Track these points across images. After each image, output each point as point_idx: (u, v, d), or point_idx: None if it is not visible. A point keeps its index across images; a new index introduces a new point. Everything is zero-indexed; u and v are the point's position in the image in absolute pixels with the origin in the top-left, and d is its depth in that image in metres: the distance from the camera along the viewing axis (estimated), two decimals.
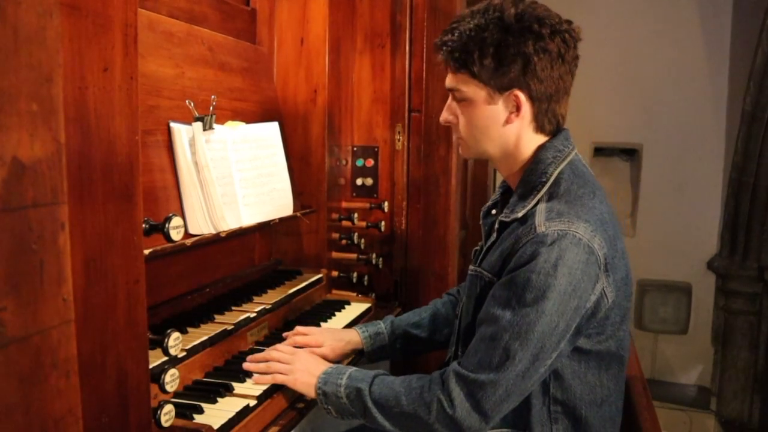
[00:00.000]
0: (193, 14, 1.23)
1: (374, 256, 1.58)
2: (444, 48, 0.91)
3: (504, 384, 0.83)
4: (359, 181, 1.63)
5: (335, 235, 1.55)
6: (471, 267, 0.98)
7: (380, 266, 1.59)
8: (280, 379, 0.98)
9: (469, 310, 0.97)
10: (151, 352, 0.76)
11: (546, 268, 0.82)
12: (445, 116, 0.96)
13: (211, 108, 1.12)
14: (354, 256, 1.56)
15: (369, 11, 1.59)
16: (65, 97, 0.54)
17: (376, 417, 0.90)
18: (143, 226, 0.73)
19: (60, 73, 0.51)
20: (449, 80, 0.93)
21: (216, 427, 0.84)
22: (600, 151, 2.76)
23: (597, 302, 0.85)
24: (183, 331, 1.02)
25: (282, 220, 1.30)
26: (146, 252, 0.80)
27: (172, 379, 0.84)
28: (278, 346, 1.07)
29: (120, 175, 0.65)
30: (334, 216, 1.54)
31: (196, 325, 1.06)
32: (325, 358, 1.09)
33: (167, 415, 0.79)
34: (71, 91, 0.60)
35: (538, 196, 0.89)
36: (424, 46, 1.58)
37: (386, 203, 1.62)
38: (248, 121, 1.26)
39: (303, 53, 1.44)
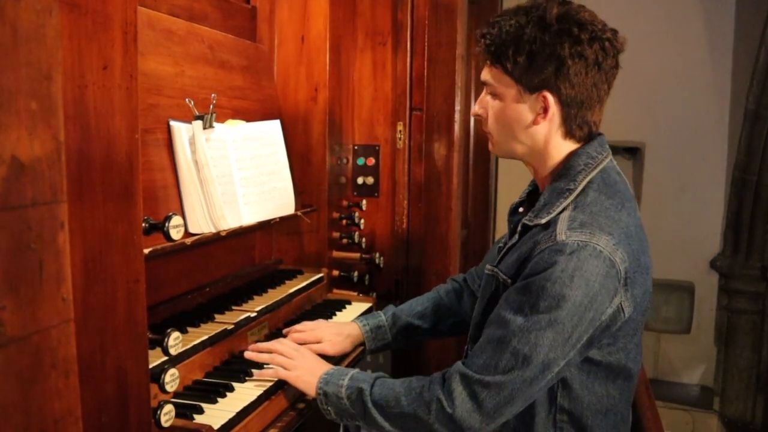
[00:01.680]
0: (193, 12, 1.22)
1: (375, 255, 1.58)
2: (482, 40, 0.90)
3: (510, 387, 0.82)
4: (360, 180, 1.63)
5: (336, 234, 1.54)
6: (488, 266, 0.97)
7: (381, 265, 1.59)
8: (282, 374, 0.98)
9: (480, 308, 0.96)
10: (150, 352, 0.76)
11: (562, 278, 0.80)
12: (475, 109, 0.95)
13: (211, 106, 1.11)
14: (355, 255, 1.55)
15: (370, 9, 1.58)
16: (64, 96, 0.54)
17: (375, 418, 0.90)
18: (143, 225, 0.73)
19: (59, 72, 0.50)
20: (484, 73, 0.92)
21: (216, 427, 0.84)
22: None
23: (613, 315, 0.84)
24: (183, 331, 1.02)
25: (283, 219, 1.30)
26: (146, 251, 0.79)
27: (172, 379, 0.84)
28: (282, 340, 1.07)
29: (120, 173, 0.65)
30: (335, 215, 1.53)
31: (196, 325, 1.06)
32: (325, 353, 1.08)
33: (167, 415, 0.79)
34: (71, 89, 0.60)
35: (564, 203, 0.87)
36: (426, 44, 1.57)
37: (387, 202, 1.61)
38: (249, 120, 1.26)
39: (304, 51, 1.44)
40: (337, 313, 1.37)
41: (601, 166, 0.90)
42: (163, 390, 0.83)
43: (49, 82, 0.49)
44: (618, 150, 2.77)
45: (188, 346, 0.96)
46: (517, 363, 0.81)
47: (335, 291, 1.51)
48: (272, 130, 1.31)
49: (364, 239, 1.57)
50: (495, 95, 0.91)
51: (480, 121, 0.96)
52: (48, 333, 0.50)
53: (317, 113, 1.44)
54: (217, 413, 0.88)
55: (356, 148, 1.63)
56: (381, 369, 1.52)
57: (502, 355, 0.82)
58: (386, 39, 1.58)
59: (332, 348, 1.11)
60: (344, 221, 1.55)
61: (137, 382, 0.68)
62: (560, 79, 0.86)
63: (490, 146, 0.97)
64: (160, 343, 0.83)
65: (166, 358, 0.86)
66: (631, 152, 2.76)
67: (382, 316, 1.19)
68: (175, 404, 0.81)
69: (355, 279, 1.54)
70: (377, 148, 1.62)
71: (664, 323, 2.62)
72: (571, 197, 0.87)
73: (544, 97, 0.88)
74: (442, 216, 1.59)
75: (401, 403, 0.88)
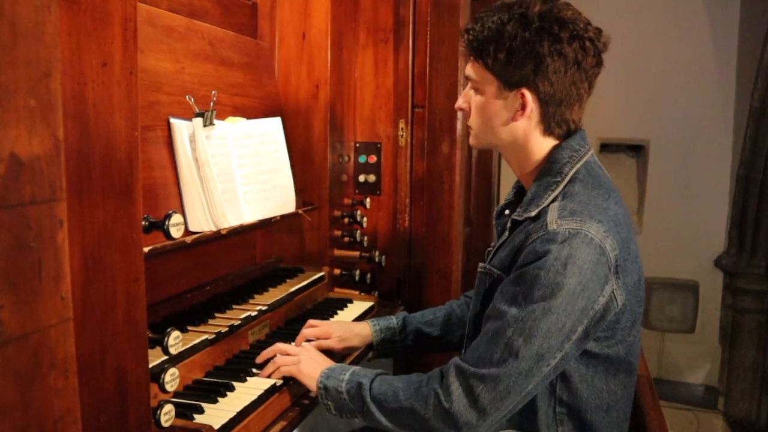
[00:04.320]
0: (193, 8, 1.21)
1: (377, 253, 1.57)
2: (465, 35, 0.92)
3: (505, 380, 0.81)
4: (362, 178, 1.62)
5: (337, 233, 1.54)
6: (480, 264, 0.98)
7: (383, 264, 1.58)
8: (284, 369, 0.99)
9: (476, 306, 0.97)
10: (150, 351, 0.75)
11: (556, 266, 0.80)
12: (459, 102, 0.97)
13: (211, 103, 1.11)
14: (356, 253, 1.55)
15: (372, 5, 1.57)
16: (64, 93, 0.53)
17: (373, 413, 0.89)
18: (143, 223, 0.73)
19: (58, 69, 0.50)
20: (467, 68, 0.94)
21: (216, 427, 0.84)
22: (606, 147, 2.74)
23: (606, 305, 0.84)
24: (183, 330, 1.02)
25: (284, 217, 1.29)
26: (146, 250, 0.79)
27: (172, 379, 0.83)
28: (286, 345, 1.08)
29: (119, 171, 0.65)
30: (337, 213, 1.52)
31: (196, 324, 1.05)
32: (332, 349, 1.09)
33: (167, 415, 0.78)
34: (70, 86, 0.60)
35: (553, 195, 0.88)
36: (428, 41, 1.56)
37: (389, 200, 1.61)
38: (249, 117, 1.25)
39: (305, 48, 1.43)
40: (339, 312, 1.36)
41: (584, 159, 0.91)
42: (163, 389, 0.82)
43: (48, 80, 0.49)
44: (622, 148, 2.75)
45: (188, 346, 0.96)
46: (511, 353, 0.81)
47: (337, 290, 1.50)
48: (273, 127, 1.31)
49: (365, 237, 1.57)
50: (477, 90, 0.93)
51: (464, 115, 0.98)
52: (47, 332, 0.50)
53: (318, 110, 1.43)
54: (217, 413, 0.87)
55: (358, 145, 1.62)
56: (384, 365, 1.51)
57: (497, 347, 0.82)
58: (388, 36, 1.57)
59: (340, 344, 1.11)
60: (346, 219, 1.54)
61: (137, 382, 0.68)
62: (539, 76, 0.87)
63: (471, 139, 0.99)
64: (160, 342, 0.83)
65: (166, 357, 0.86)
66: (636, 150, 2.74)
67: (393, 319, 1.19)
68: (175, 404, 0.81)
69: (357, 278, 1.53)
70: (379, 145, 1.61)
71: (669, 322, 2.60)
72: (559, 189, 0.88)
73: (523, 95, 0.89)
74: (444, 214, 1.58)
75: (399, 397, 0.88)
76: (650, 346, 2.59)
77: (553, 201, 0.88)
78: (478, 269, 0.98)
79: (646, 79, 2.59)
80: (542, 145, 0.92)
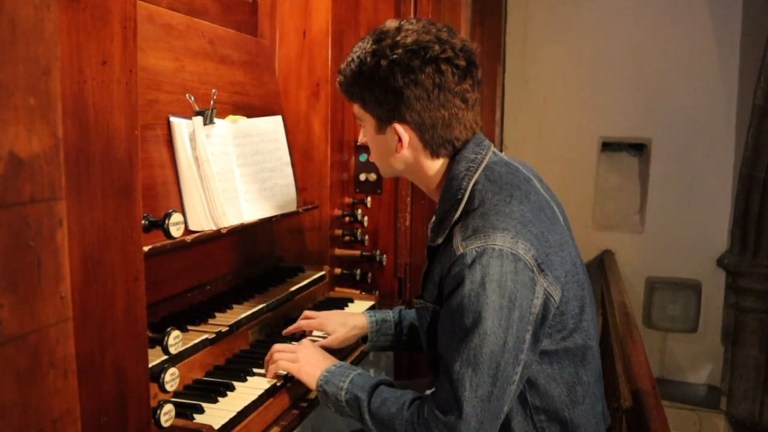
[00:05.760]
0: (193, 6, 1.21)
1: (378, 253, 1.57)
2: (338, 78, 0.94)
3: (473, 416, 0.80)
4: (363, 177, 1.61)
5: (338, 232, 1.53)
6: (415, 300, 0.98)
7: (384, 263, 1.58)
8: (283, 365, 0.98)
9: (424, 344, 0.96)
10: (150, 351, 0.75)
11: (474, 290, 0.79)
12: (360, 138, 0.99)
13: (211, 102, 1.11)
14: (357, 252, 1.54)
15: (372, 3, 1.57)
16: (63, 91, 0.53)
17: (372, 430, 0.90)
18: (142, 222, 0.73)
19: (58, 67, 0.50)
20: (353, 107, 0.96)
21: (217, 427, 0.83)
22: (608, 146, 2.73)
23: (544, 305, 0.83)
24: (183, 330, 1.01)
25: (284, 216, 1.29)
26: (145, 249, 0.79)
27: (171, 379, 0.83)
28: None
29: (119, 170, 0.65)
30: (337, 212, 1.52)
31: (196, 324, 1.05)
32: (329, 345, 1.09)
33: (167, 414, 0.78)
34: (69, 84, 0.59)
35: (456, 215, 0.87)
36: None
37: (390, 199, 1.60)
38: (250, 116, 1.25)
39: (305, 46, 1.42)
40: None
41: (483, 165, 0.89)
42: (162, 389, 0.82)
43: (47, 78, 0.49)
44: (624, 146, 2.74)
45: (188, 345, 0.96)
46: (466, 387, 0.80)
47: (337, 289, 1.50)
48: (274, 125, 1.30)
49: (366, 237, 1.56)
50: (363, 128, 0.95)
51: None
52: (46, 332, 0.50)
53: (319, 109, 1.43)
54: (217, 413, 0.87)
55: (359, 144, 1.61)
56: (384, 366, 1.51)
57: (452, 385, 0.81)
58: None
59: (336, 341, 1.11)
60: (346, 218, 1.54)
61: (137, 382, 0.68)
62: (404, 109, 0.87)
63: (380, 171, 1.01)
64: (159, 341, 0.83)
65: (165, 357, 0.86)
66: (637, 148, 2.73)
67: (390, 313, 1.19)
68: (175, 404, 0.81)
69: (358, 277, 1.53)
70: None
71: (671, 322, 2.60)
72: (461, 207, 0.87)
73: (395, 129, 0.90)
74: None
75: (395, 426, 0.87)
76: (652, 346, 2.58)
77: (456, 222, 0.87)
78: (415, 305, 0.97)
79: (648, 78, 2.58)
80: (436, 165, 0.92)
